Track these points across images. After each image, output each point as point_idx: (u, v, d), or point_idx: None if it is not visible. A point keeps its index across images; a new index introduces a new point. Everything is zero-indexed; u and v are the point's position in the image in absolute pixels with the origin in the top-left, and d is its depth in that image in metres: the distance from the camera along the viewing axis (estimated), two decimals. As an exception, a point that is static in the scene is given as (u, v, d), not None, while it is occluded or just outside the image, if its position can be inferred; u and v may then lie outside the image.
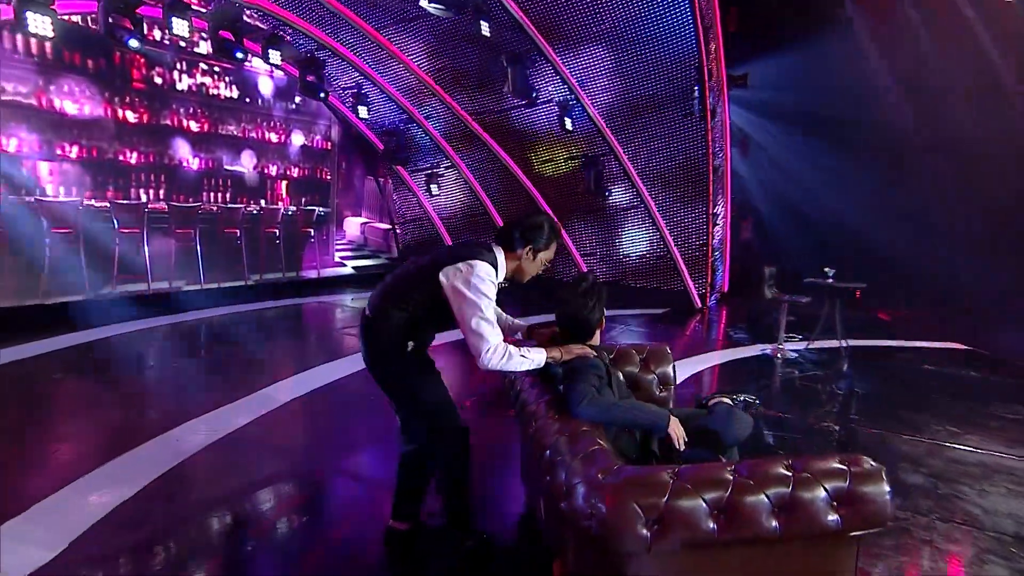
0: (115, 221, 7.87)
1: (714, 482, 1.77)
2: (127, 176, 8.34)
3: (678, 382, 3.11)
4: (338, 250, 12.00)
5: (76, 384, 5.03)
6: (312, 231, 11.06)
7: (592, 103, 8.87)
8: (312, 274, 11.05)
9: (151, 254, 8.17)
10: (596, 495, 1.74)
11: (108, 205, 7.86)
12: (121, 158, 8.29)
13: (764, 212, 10.70)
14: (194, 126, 9.14)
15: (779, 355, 6.38)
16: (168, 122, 8.79)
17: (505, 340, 2.29)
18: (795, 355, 6.53)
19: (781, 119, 10.07)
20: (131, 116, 8.34)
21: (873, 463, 1.85)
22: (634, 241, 9.95)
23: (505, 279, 2.44)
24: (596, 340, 2.47)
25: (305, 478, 3.44)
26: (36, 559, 2.55)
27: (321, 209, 11.31)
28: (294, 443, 3.98)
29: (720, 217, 9.61)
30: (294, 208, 10.74)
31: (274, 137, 10.40)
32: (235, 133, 9.70)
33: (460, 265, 2.26)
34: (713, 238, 9.35)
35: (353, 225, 13.56)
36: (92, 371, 5.39)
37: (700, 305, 9.53)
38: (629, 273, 10.10)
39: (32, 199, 7.29)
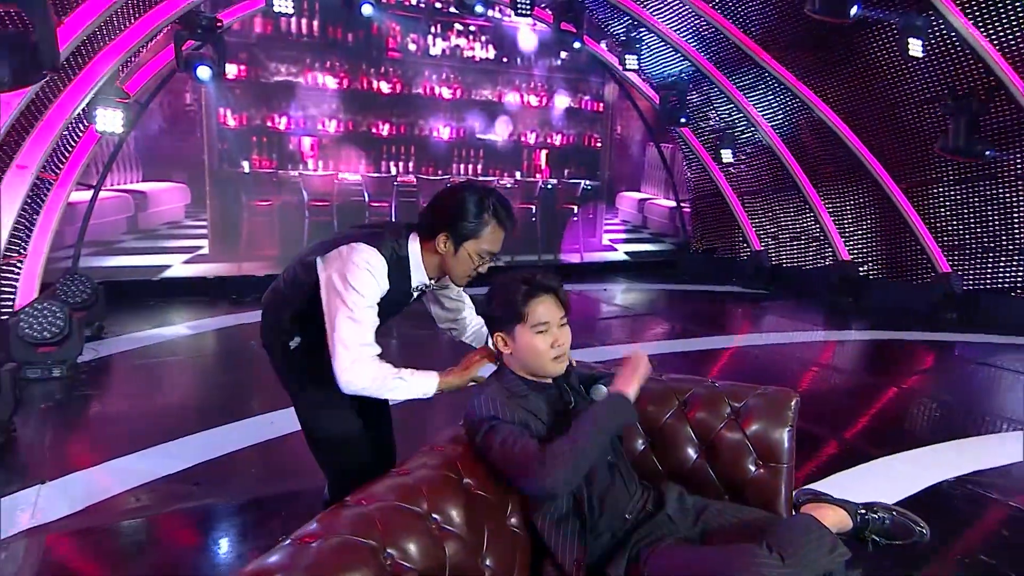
0: (366, 194, 8.69)
1: None
2: (378, 148, 9.18)
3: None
4: (608, 231, 11.59)
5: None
6: (575, 208, 10.84)
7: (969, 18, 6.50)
8: (574, 258, 10.85)
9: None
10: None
11: (360, 178, 8.70)
12: (373, 130, 9.15)
13: None
14: (446, 93, 9.65)
15: None
16: (420, 91, 9.42)
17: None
18: None
19: None
20: (384, 87, 9.15)
21: None
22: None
23: (431, 278, 2.08)
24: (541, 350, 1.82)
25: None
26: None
27: (588, 183, 11.02)
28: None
29: None
30: (554, 181, 10.67)
31: (534, 100, 10.42)
32: (489, 98, 9.97)
33: (342, 248, 1.95)
34: None
35: (629, 202, 13.02)
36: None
37: None
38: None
39: (296, 173, 8.45)
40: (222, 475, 3.42)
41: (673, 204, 12.05)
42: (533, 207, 10.34)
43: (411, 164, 9.42)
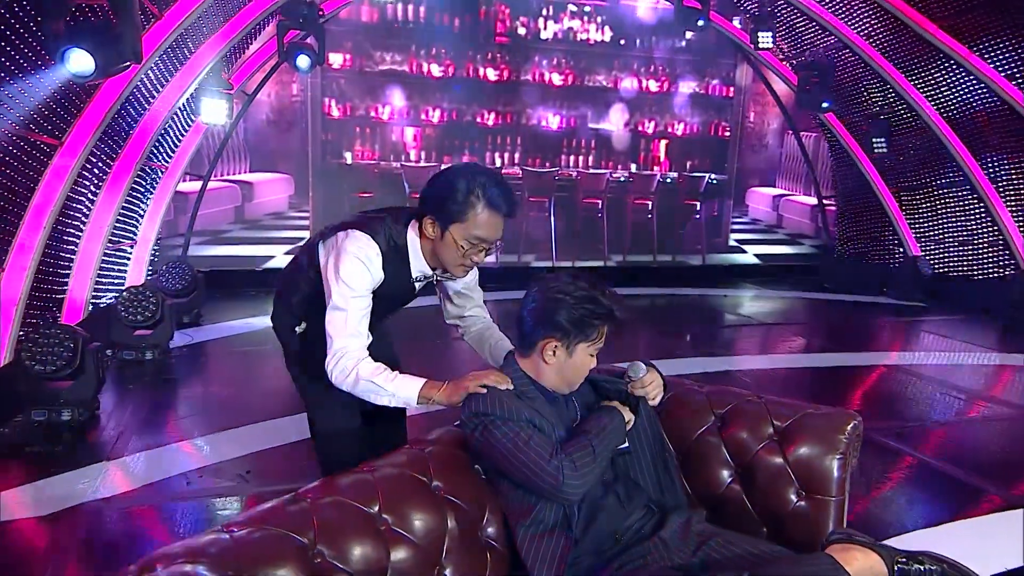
0: (468, 188, 8.85)
1: None
2: (483, 139, 9.32)
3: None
4: (736, 230, 11.08)
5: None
6: (698, 204, 10.47)
7: None
8: (694, 259, 10.48)
9: (501, 224, 8.91)
10: None
11: (462, 171, 8.88)
12: (479, 120, 9.31)
13: None
14: (557, 79, 9.63)
15: None
16: (528, 77, 9.47)
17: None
18: None
19: None
20: (491, 74, 9.28)
21: None
22: None
23: (433, 268, 2.06)
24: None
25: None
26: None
27: (714, 176, 10.60)
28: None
29: None
30: (675, 175, 10.35)
31: (653, 85, 10.16)
32: (604, 84, 9.84)
33: (339, 235, 1.99)
34: None
35: (761, 198, 12.37)
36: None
37: None
38: None
39: (398, 164, 8.78)
40: (275, 464, 3.60)
41: (814, 201, 11.30)
42: (649, 203, 10.08)
43: (516, 155, 9.50)
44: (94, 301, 5.56)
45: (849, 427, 1.88)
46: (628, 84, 9.98)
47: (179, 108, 6.16)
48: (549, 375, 1.83)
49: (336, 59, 8.47)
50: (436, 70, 9.03)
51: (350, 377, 1.87)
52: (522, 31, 9.41)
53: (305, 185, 8.61)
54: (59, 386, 4.00)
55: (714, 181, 10.60)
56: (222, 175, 8.19)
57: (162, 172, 6.71)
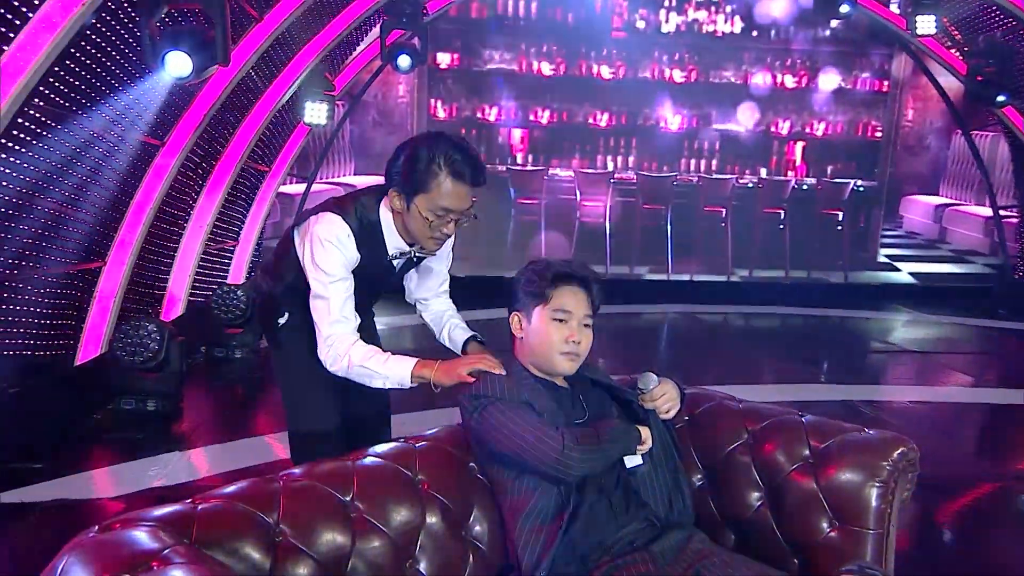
0: (577, 192, 8.95)
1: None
2: (595, 141, 9.39)
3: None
4: (887, 245, 10.50)
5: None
6: (841, 214, 9.95)
7: None
8: (834, 277, 9.96)
9: (612, 231, 8.93)
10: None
11: (572, 174, 8.99)
12: (590, 121, 9.38)
13: None
14: (678, 76, 9.54)
15: None
16: (647, 74, 9.44)
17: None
18: None
19: None
20: (606, 71, 9.34)
21: None
22: None
23: (410, 245, 2.13)
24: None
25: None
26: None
27: (860, 182, 10.06)
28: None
29: None
30: (812, 181, 9.93)
31: (790, 81, 9.84)
32: (732, 80, 9.65)
33: (311, 219, 2.08)
34: None
35: (920, 208, 11.59)
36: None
37: None
38: None
39: (504, 168, 9.03)
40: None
41: (989, 212, 10.43)
42: (781, 212, 9.69)
43: (631, 159, 9.49)
44: (193, 298, 6.12)
45: (895, 454, 1.79)
46: (760, 80, 9.73)
47: (282, 110, 6.68)
48: (525, 354, 1.93)
49: (443, 59, 8.85)
50: (547, 68, 9.22)
51: (343, 362, 2.00)
52: (641, 24, 9.41)
53: (408, 188, 9.02)
54: (146, 377, 4.47)
55: (860, 188, 10.04)
56: (327, 177, 8.76)
57: (265, 174, 7.28)
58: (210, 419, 4.47)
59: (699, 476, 2.03)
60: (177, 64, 4.08)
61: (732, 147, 9.69)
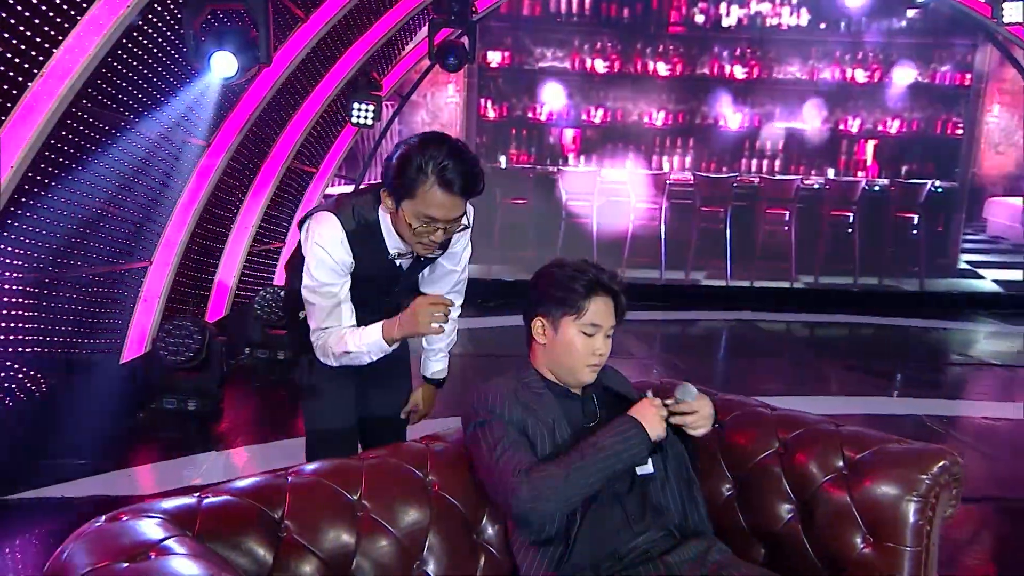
0: (631, 195, 8.90)
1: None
2: (650, 141, 9.31)
3: None
4: (968, 251, 10.13)
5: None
6: (916, 217, 9.64)
7: None
8: (909, 284, 9.66)
9: (667, 234, 8.87)
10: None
11: (625, 176, 8.96)
12: (645, 120, 9.31)
13: None
14: (739, 72, 9.41)
15: None
16: (706, 71, 9.34)
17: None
18: None
19: None
20: (662, 68, 9.26)
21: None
22: None
23: (406, 244, 2.10)
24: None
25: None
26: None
27: (938, 183, 9.75)
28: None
29: None
30: (885, 181, 9.69)
31: (860, 75, 9.59)
32: (797, 75, 9.47)
33: (310, 220, 2.13)
34: None
35: (1007, 211, 11.11)
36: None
37: None
38: None
39: (555, 169, 9.04)
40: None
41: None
42: (850, 214, 9.45)
43: (688, 159, 9.39)
44: (238, 299, 6.30)
45: (936, 467, 1.72)
46: (828, 75, 9.52)
47: (329, 110, 6.83)
48: (543, 360, 1.88)
49: (493, 57, 8.92)
50: (600, 66, 9.19)
51: (329, 357, 2.09)
52: (700, 19, 9.31)
53: (457, 190, 9.10)
54: (188, 377, 4.62)
55: (939, 189, 9.72)
56: (376, 178, 8.90)
57: (312, 175, 7.45)
58: (249, 420, 4.59)
59: (728, 486, 1.99)
60: (223, 64, 4.21)
61: (797, 146, 9.51)
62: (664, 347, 7.92)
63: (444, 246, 2.16)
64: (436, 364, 2.51)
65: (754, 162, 9.49)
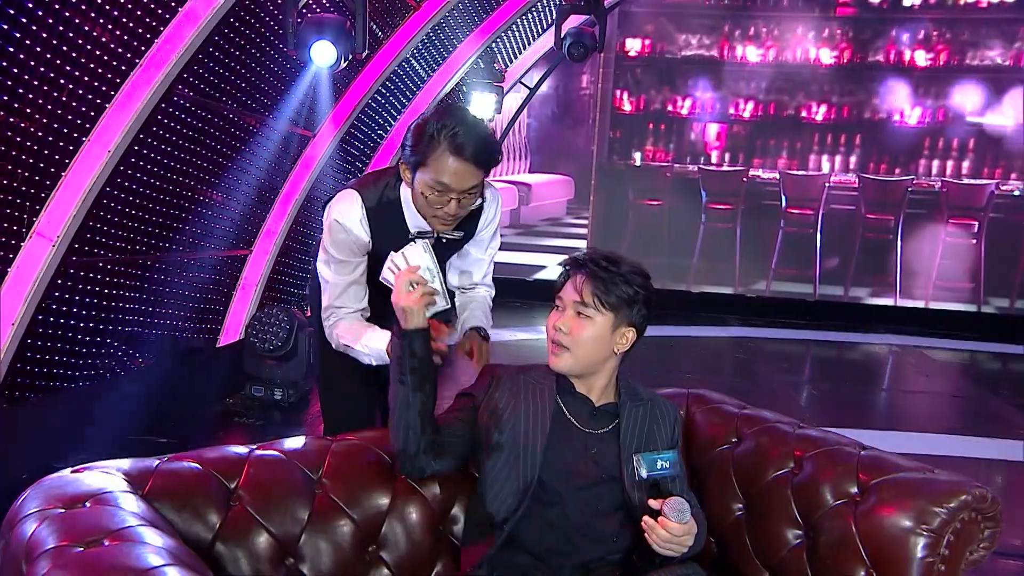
0: (783, 197, 8.63)
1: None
2: (808, 138, 8.95)
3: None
4: None
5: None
6: None
7: None
8: None
9: (824, 243, 8.55)
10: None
11: (777, 176, 8.69)
12: (804, 114, 8.96)
13: None
14: (922, 59, 8.85)
15: None
16: (879, 58, 8.87)
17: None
18: None
19: None
20: (826, 56, 8.88)
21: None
22: None
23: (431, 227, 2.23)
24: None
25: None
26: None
27: None
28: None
29: None
30: (1104, 189, 8.73)
31: (1077, 62, 8.74)
32: (995, 62, 8.77)
33: (334, 196, 2.32)
34: None
35: None
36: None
37: None
38: None
39: (695, 168, 8.92)
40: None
41: None
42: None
43: (853, 159, 8.95)
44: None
45: (955, 501, 1.64)
46: (1036, 61, 8.75)
47: (444, 101, 7.12)
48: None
49: (632, 45, 8.92)
50: (753, 54, 8.96)
51: (333, 339, 2.21)
52: (875, -1, 8.87)
53: (586, 189, 9.18)
54: (276, 365, 5.00)
55: None
56: (500, 174, 9.14)
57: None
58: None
59: (739, 506, 1.98)
60: (323, 53, 4.55)
61: (991, 146, 8.81)
62: (814, 372, 7.62)
63: (464, 228, 2.28)
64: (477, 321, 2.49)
65: (935, 163, 8.88)
